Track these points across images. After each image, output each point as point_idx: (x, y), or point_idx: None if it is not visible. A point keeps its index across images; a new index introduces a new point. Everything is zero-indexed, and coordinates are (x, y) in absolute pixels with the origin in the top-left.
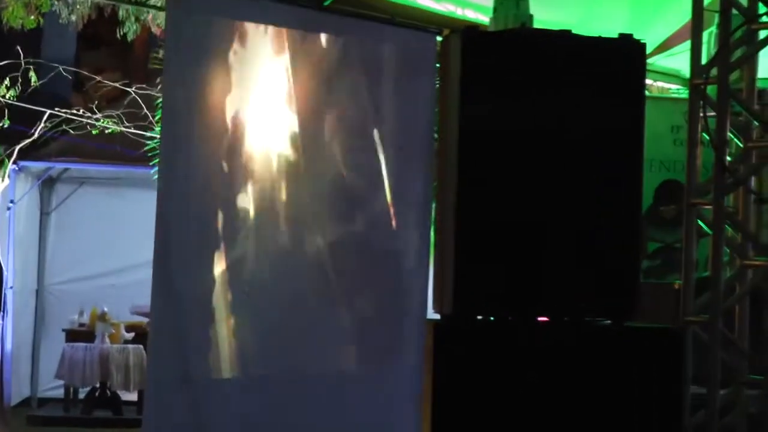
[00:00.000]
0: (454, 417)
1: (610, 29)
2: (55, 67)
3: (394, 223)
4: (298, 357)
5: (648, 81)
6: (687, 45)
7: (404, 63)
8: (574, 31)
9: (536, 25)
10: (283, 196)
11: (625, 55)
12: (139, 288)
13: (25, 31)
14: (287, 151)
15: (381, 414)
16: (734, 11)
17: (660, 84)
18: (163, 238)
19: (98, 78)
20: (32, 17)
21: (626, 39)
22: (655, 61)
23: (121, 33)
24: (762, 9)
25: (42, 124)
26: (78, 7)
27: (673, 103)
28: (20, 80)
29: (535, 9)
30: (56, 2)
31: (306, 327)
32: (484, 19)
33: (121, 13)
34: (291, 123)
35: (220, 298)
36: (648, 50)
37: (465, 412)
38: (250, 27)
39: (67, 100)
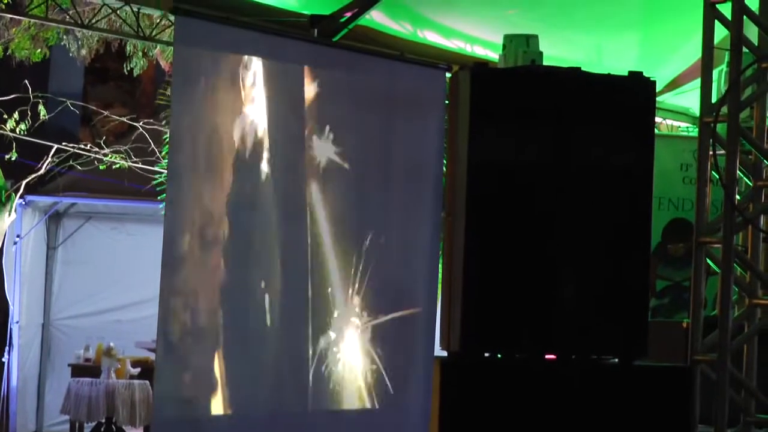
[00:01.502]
0: None
1: (619, 67)
2: (63, 101)
3: (402, 258)
4: (303, 395)
5: (657, 119)
6: (697, 83)
7: (413, 98)
8: (583, 69)
9: (546, 62)
10: (288, 229)
11: (635, 92)
12: (145, 323)
13: (33, 64)
14: (294, 183)
15: None
16: (745, 49)
17: (669, 122)
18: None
19: (105, 113)
20: (38, 50)
21: (636, 76)
22: (664, 99)
23: (128, 68)
24: None
25: (49, 159)
26: (86, 41)
27: (683, 141)
28: (29, 114)
29: (545, 46)
30: (65, 36)
31: (311, 363)
32: (493, 55)
33: (129, 48)
34: (299, 156)
35: (225, 334)
36: (658, 88)
37: None
38: (259, 62)
39: (75, 135)
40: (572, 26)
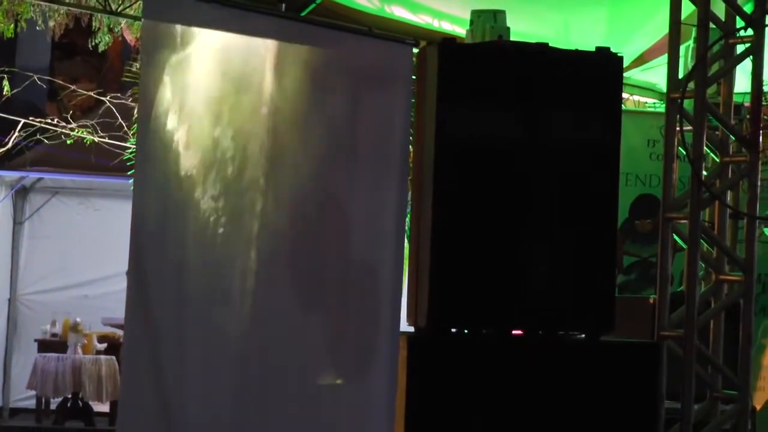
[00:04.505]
0: (428, 430)
1: (587, 43)
2: (30, 75)
3: (367, 234)
4: (270, 371)
5: (624, 95)
6: (664, 59)
7: (380, 74)
8: (551, 44)
9: (513, 37)
10: (257, 207)
11: (602, 68)
12: (112, 299)
13: None
14: (263, 161)
15: (354, 429)
16: (712, 25)
17: (636, 98)
18: (137, 247)
19: (73, 87)
20: (12, 25)
21: (603, 52)
22: (631, 75)
23: (93, 43)
24: (739, 23)
25: (16, 133)
26: (54, 15)
27: (650, 117)
28: None
29: (512, 22)
30: (32, 9)
31: (278, 340)
32: (460, 31)
33: (94, 23)
34: (267, 133)
35: (193, 311)
36: (625, 64)
37: (439, 426)
38: (227, 36)
39: (42, 110)
40: (540, 2)
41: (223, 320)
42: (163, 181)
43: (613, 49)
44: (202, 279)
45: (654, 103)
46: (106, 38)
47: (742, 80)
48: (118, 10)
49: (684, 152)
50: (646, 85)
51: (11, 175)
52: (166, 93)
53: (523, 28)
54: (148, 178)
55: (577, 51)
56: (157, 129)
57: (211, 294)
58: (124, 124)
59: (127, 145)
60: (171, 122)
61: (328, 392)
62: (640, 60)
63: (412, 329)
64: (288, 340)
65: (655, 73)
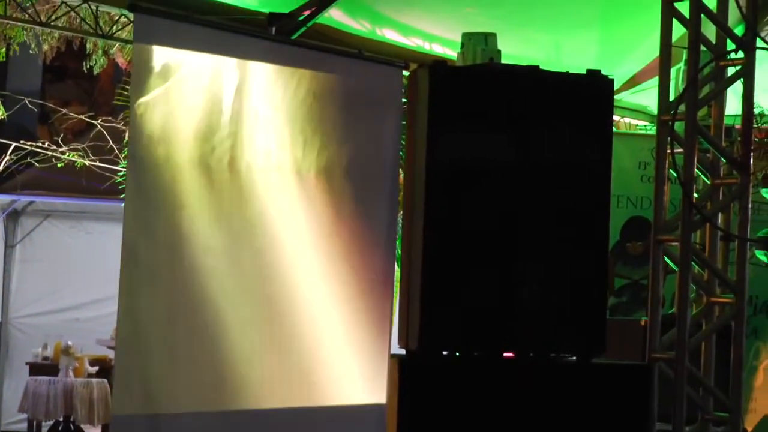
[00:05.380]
0: None
1: (578, 65)
2: (21, 99)
3: (358, 257)
4: (261, 393)
5: (615, 117)
6: (655, 81)
7: (371, 96)
8: (542, 67)
9: (504, 60)
10: (248, 228)
11: (593, 90)
12: (103, 322)
13: None
14: (253, 182)
15: None
16: (702, 48)
17: (627, 120)
18: (128, 270)
19: (64, 111)
20: (2, 49)
21: (594, 75)
22: (622, 97)
23: (88, 66)
24: (730, 45)
25: (7, 157)
26: (47, 38)
27: (641, 140)
28: None
29: (503, 45)
30: (24, 33)
31: (270, 362)
32: (451, 53)
33: (89, 46)
34: (257, 155)
35: (184, 331)
36: (616, 86)
37: None
38: (218, 59)
39: (33, 133)
40: (531, 24)
41: (213, 347)
42: (152, 207)
43: (604, 72)
44: (191, 306)
45: (645, 126)
46: (101, 60)
47: (733, 102)
48: (110, 33)
49: (675, 174)
50: (637, 107)
51: (3, 199)
52: (156, 117)
53: (514, 51)
54: (138, 202)
55: (567, 73)
56: (146, 154)
57: (201, 314)
58: (115, 147)
59: (118, 168)
60: (160, 147)
61: (318, 414)
62: (631, 82)
63: (403, 352)
64: (279, 363)
65: (646, 96)
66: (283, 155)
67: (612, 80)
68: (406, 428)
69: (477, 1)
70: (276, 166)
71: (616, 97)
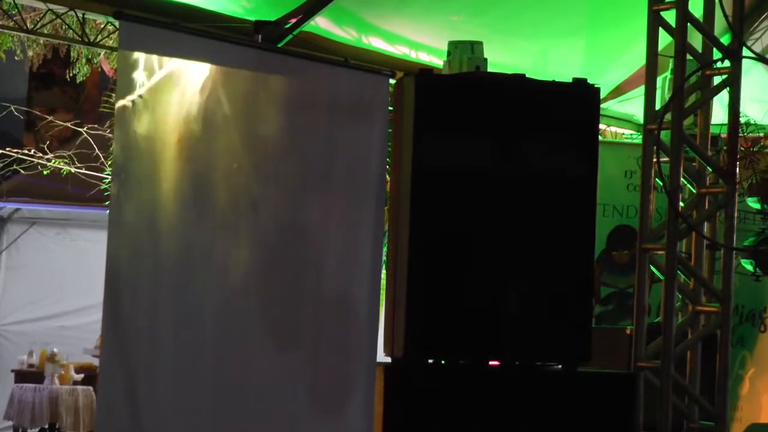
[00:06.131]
0: None
1: (565, 73)
2: (7, 106)
3: (344, 265)
4: (247, 401)
5: (601, 126)
6: (641, 90)
7: (356, 104)
8: (528, 75)
9: (491, 68)
10: (234, 235)
11: (579, 99)
12: (89, 329)
13: None
14: (239, 191)
15: None
16: (689, 57)
17: (613, 129)
18: (111, 281)
19: (50, 118)
20: None
21: (580, 83)
22: (608, 106)
23: (71, 74)
24: (716, 55)
25: None
26: (32, 45)
27: (627, 148)
28: None
29: (489, 53)
30: (11, 39)
31: (255, 370)
32: (437, 62)
33: (73, 53)
34: (243, 163)
35: (169, 338)
36: (602, 95)
37: None
38: (204, 66)
39: (19, 140)
40: (517, 33)
41: (198, 352)
42: (137, 214)
43: (590, 80)
44: (176, 312)
45: (631, 134)
46: (85, 69)
47: (719, 112)
48: (96, 41)
49: (661, 183)
50: (623, 116)
51: None
52: (141, 125)
53: (501, 59)
54: (123, 210)
55: (553, 82)
56: (131, 161)
57: (186, 326)
58: (101, 155)
59: (104, 175)
60: (145, 155)
61: (304, 423)
62: (618, 91)
63: (388, 360)
64: (264, 373)
65: (632, 105)
66: (268, 163)
67: (598, 89)
68: None
69: (463, 9)
70: (260, 175)
71: (602, 105)
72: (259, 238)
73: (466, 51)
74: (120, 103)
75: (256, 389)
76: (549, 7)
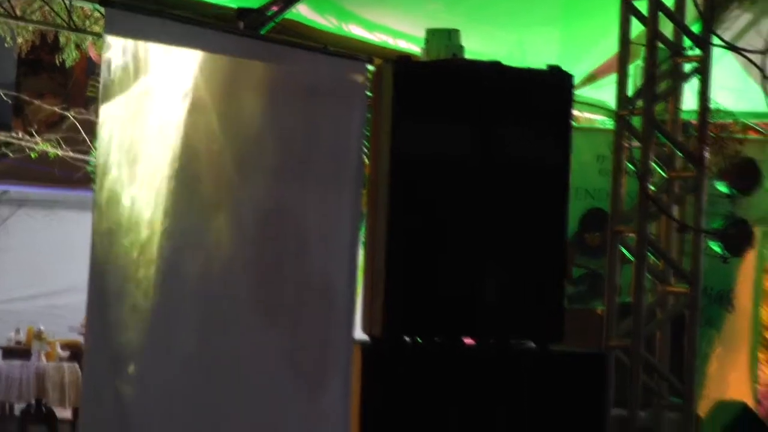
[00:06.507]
0: None
1: (541, 61)
2: None
3: (323, 246)
4: (231, 379)
5: (575, 112)
6: (614, 77)
7: (336, 90)
8: (504, 62)
9: (468, 55)
10: (215, 218)
11: (553, 86)
12: (77, 308)
13: None
14: (220, 173)
15: None
16: (660, 45)
17: (587, 115)
18: (97, 260)
19: (38, 102)
20: None
21: (554, 70)
22: (582, 93)
23: (60, 59)
24: (687, 42)
25: None
26: (21, 31)
27: (600, 134)
28: None
29: (467, 41)
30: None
31: (235, 352)
32: (416, 49)
33: (62, 39)
34: (224, 148)
35: (154, 317)
36: (576, 82)
37: None
38: (186, 52)
39: (8, 124)
40: (494, 22)
41: (182, 331)
42: (120, 196)
43: (564, 68)
44: (159, 290)
45: (603, 120)
46: (74, 54)
47: (690, 98)
48: (83, 27)
49: (632, 167)
50: (596, 102)
51: None
52: (124, 109)
53: (478, 48)
54: (106, 192)
55: (529, 69)
56: (114, 144)
57: (170, 305)
58: (87, 138)
59: (91, 158)
60: (127, 137)
61: (283, 401)
62: (591, 78)
63: (366, 338)
64: (246, 351)
65: (606, 91)
66: (247, 147)
67: (572, 76)
68: (369, 413)
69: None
70: (240, 159)
71: (576, 92)
72: (241, 220)
73: (444, 38)
74: (103, 87)
75: (240, 368)
76: None
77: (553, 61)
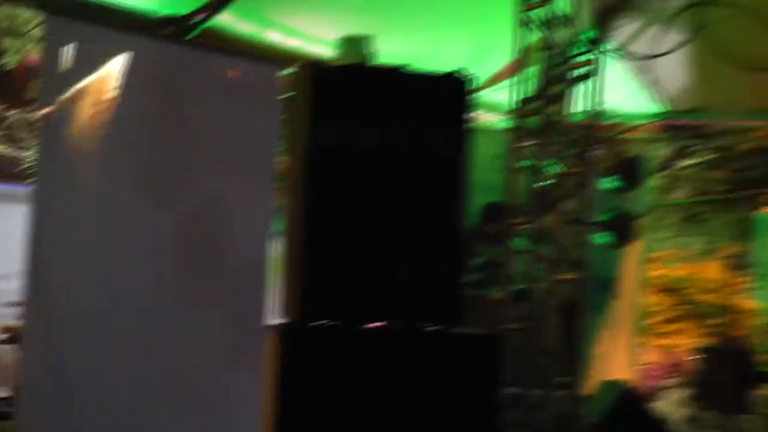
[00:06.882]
0: (294, 419)
1: (451, 63)
2: None
3: (241, 235)
4: (160, 356)
5: (475, 113)
6: (512, 80)
7: (255, 91)
8: (419, 65)
9: (387, 57)
10: (148, 206)
11: (454, 88)
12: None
13: None
14: (149, 167)
15: (223, 419)
16: (554, 50)
17: (486, 115)
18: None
19: None
20: None
21: (455, 74)
22: (483, 94)
23: (1, 63)
24: (580, 48)
25: None
26: None
27: (498, 133)
28: None
29: (385, 43)
30: None
31: (162, 334)
32: (330, 53)
33: (5, 43)
34: (146, 145)
35: (89, 300)
36: (479, 84)
37: (304, 413)
38: (118, 57)
39: None
40: (411, 27)
41: (116, 313)
42: (57, 188)
43: (472, 70)
44: (95, 277)
45: (502, 120)
46: (15, 58)
47: (582, 100)
48: (24, 32)
49: (528, 164)
50: (495, 103)
51: None
52: (60, 110)
53: (396, 50)
54: (44, 186)
55: (431, 73)
56: (51, 141)
57: (105, 289)
58: (27, 136)
59: (29, 154)
60: (63, 136)
61: (197, 383)
62: (492, 81)
63: (279, 322)
64: (171, 334)
65: (505, 93)
66: (173, 144)
67: (470, 79)
68: (284, 395)
69: (356, 4)
70: (170, 155)
71: (477, 94)
72: (157, 208)
73: (356, 44)
74: (41, 88)
75: (168, 346)
76: (437, 4)
77: (463, 64)
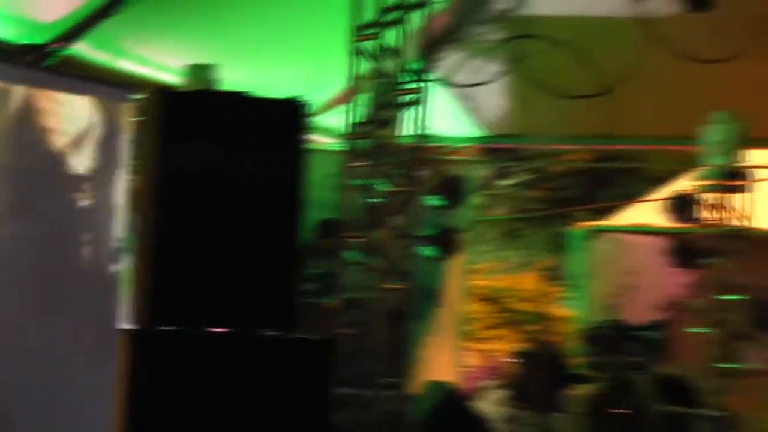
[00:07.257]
0: (141, 419)
1: (291, 89)
2: None
3: (93, 247)
4: (20, 358)
5: (312, 136)
6: (346, 106)
7: (106, 116)
8: (261, 91)
9: (232, 85)
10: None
11: (291, 113)
12: None
13: None
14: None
15: (74, 419)
16: (384, 79)
17: (321, 138)
18: None
19: None
20: None
21: (293, 100)
22: (318, 119)
23: None
24: (404, 78)
25: None
26: None
27: (332, 155)
28: None
29: (228, 72)
30: None
31: (14, 342)
32: (178, 80)
33: None
34: (10, 167)
35: None
36: (314, 109)
37: (150, 416)
38: None
39: None
40: (251, 56)
41: None
42: None
43: (309, 97)
44: None
45: (336, 143)
46: None
47: (409, 124)
48: None
49: (359, 183)
50: (330, 127)
51: None
52: None
53: (241, 78)
54: None
55: (270, 98)
56: None
57: None
58: None
59: None
60: None
61: (48, 387)
62: (327, 106)
63: (131, 327)
64: (22, 342)
65: (339, 118)
66: (27, 165)
67: (307, 104)
68: (132, 397)
69: (203, 36)
70: (26, 177)
71: (314, 118)
72: (18, 221)
73: (202, 72)
74: None
75: (23, 349)
76: (277, 36)
77: (301, 91)
